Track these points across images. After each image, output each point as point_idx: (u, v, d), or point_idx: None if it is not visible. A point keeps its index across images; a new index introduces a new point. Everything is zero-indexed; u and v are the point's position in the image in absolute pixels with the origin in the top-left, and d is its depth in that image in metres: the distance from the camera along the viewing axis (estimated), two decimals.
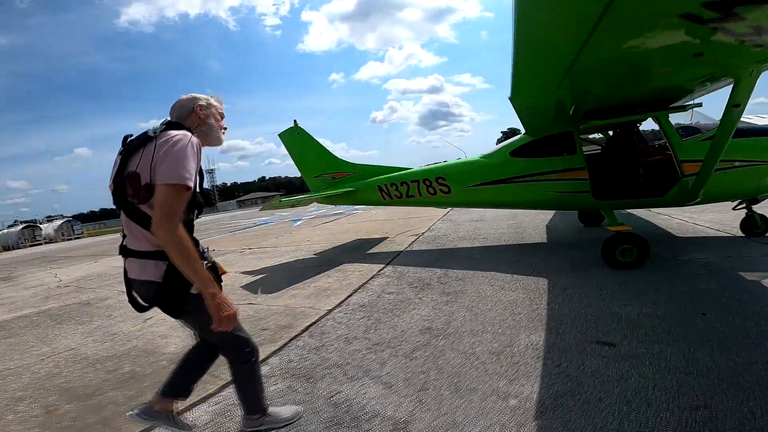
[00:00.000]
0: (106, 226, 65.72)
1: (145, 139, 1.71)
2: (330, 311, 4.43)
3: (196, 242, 1.75)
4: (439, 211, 12.76)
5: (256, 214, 31.87)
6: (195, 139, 1.72)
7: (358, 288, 5.30)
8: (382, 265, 6.45)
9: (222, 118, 2.03)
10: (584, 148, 5.87)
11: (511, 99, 4.24)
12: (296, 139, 8.98)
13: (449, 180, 6.81)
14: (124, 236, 1.82)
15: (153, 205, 1.61)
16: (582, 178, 5.67)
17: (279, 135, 9.10)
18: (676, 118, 5.30)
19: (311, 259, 8.00)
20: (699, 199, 5.01)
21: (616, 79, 3.74)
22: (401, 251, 7.55)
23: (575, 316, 3.49)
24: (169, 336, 4.25)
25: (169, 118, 1.86)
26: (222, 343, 2.00)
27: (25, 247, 41.81)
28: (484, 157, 6.62)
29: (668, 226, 7.08)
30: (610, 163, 6.06)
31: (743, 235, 5.63)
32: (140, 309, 1.82)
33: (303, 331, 3.89)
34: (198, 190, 1.77)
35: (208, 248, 1.91)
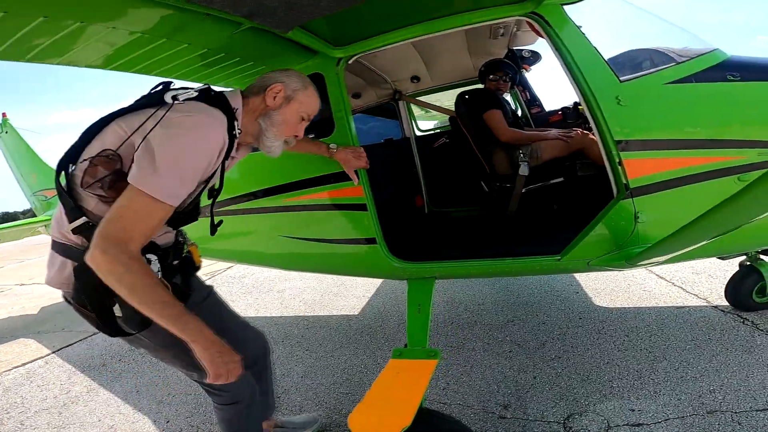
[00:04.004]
0: None
1: (154, 104, 1.16)
2: None
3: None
4: None
5: None
6: (217, 137, 1.16)
7: None
8: None
9: (303, 120, 1.40)
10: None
11: None
12: (6, 141, 6.36)
13: None
14: None
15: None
16: (352, 205, 2.01)
17: None
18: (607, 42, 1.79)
19: None
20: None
21: None
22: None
23: None
24: None
25: (210, 86, 1.27)
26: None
27: None
28: None
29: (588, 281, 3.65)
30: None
31: (727, 304, 2.70)
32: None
33: None
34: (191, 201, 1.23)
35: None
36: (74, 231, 1.15)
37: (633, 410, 1.85)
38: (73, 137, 1.25)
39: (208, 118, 1.16)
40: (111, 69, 1.59)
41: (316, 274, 4.86)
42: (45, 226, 5.33)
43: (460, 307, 3.30)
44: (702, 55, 1.73)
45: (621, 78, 1.64)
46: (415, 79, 3.37)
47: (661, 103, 1.62)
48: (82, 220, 1.13)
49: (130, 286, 1.03)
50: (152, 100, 1.19)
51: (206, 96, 1.21)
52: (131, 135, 1.12)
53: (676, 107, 1.61)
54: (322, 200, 2.02)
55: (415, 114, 3.88)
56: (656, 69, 1.69)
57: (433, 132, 3.94)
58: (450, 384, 2.27)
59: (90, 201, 1.15)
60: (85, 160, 1.12)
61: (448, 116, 3.58)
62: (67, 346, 3.82)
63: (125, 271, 1.02)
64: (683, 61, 1.68)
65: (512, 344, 2.58)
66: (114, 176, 1.10)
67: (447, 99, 4.03)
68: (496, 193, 2.71)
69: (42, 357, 3.63)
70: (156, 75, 1.71)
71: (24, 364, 3.51)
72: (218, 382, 1.18)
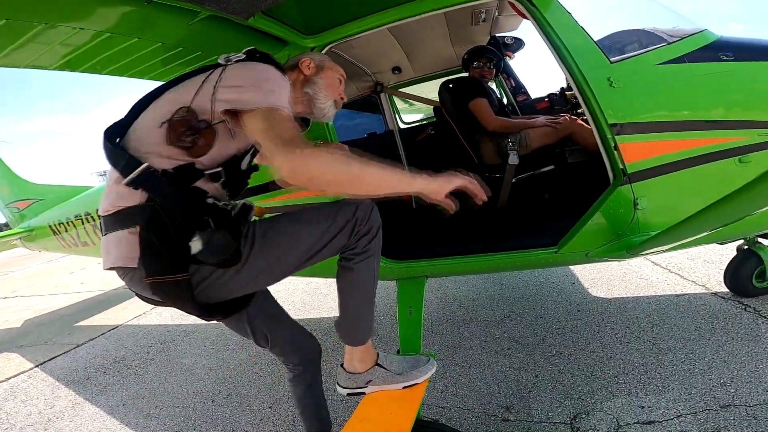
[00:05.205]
0: None
1: (209, 67, 1.18)
2: None
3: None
4: None
5: None
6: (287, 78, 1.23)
7: None
8: None
9: (341, 81, 1.49)
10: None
11: None
12: None
13: None
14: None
15: (257, 142, 1.10)
16: (332, 204, 1.87)
17: None
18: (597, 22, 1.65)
19: None
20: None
21: None
22: None
23: None
24: None
25: (252, 48, 1.27)
26: None
27: None
28: None
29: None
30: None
31: (726, 290, 2.59)
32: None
33: None
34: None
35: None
36: (134, 181, 1.07)
37: (642, 407, 1.74)
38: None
39: (272, 67, 1.21)
40: (54, 69, 1.44)
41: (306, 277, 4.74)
42: (20, 239, 5.15)
43: (454, 303, 3.20)
44: (692, 35, 1.63)
45: (611, 59, 1.53)
46: (397, 70, 3.23)
47: (655, 84, 1.51)
48: (144, 165, 1.06)
49: (339, 162, 1.01)
50: (198, 72, 1.21)
51: (253, 55, 1.26)
52: (199, 89, 1.12)
53: (671, 88, 1.51)
54: (300, 200, 1.89)
55: (399, 107, 3.75)
56: (647, 50, 1.59)
57: (417, 124, 3.81)
58: (448, 386, 2.16)
59: (151, 158, 1.10)
60: (163, 123, 1.11)
61: (433, 107, 3.47)
62: (50, 360, 3.67)
63: (321, 153, 1.01)
64: (674, 42, 1.58)
65: (510, 341, 2.48)
66: (201, 124, 1.11)
67: (431, 90, 3.90)
68: (486, 183, 2.60)
69: (25, 371, 3.48)
70: (108, 74, 1.55)
71: (7, 379, 3.37)
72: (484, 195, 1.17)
